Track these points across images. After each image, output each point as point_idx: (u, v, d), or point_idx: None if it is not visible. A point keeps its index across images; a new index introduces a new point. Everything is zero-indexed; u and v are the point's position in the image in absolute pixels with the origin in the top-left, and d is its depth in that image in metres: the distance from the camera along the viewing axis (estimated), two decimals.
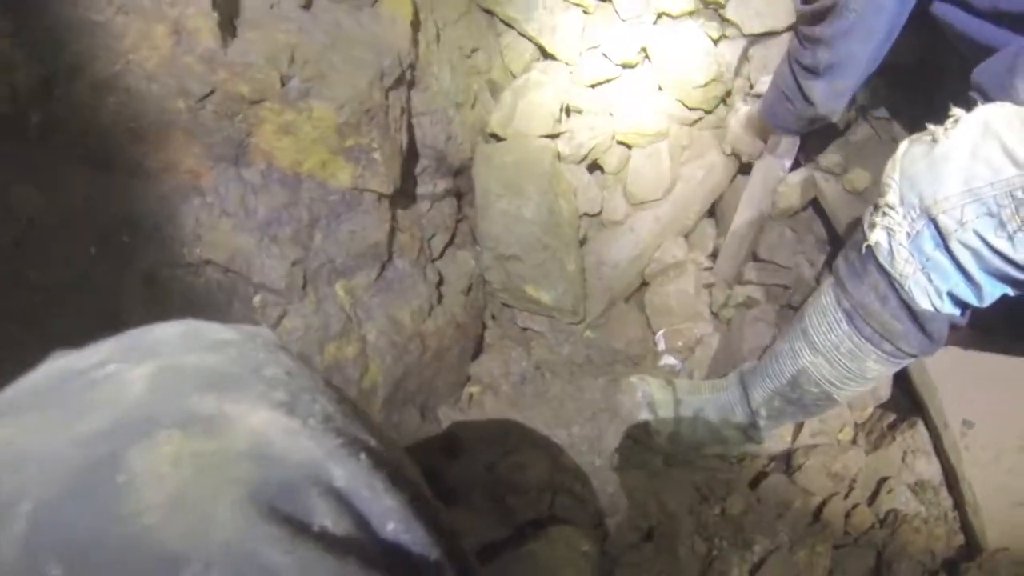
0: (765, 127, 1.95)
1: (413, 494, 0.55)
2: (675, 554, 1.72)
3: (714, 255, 2.22)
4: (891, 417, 1.97)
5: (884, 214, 1.31)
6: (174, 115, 1.49)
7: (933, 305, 1.34)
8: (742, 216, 2.11)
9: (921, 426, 1.93)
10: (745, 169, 2.15)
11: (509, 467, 1.77)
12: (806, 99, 1.73)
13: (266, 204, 1.60)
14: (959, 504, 1.87)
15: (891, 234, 1.30)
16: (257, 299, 1.59)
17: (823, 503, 1.84)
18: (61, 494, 0.43)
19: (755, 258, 2.20)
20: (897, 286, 1.35)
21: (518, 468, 1.77)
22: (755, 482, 1.86)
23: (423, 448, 1.78)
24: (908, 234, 1.28)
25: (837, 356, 1.54)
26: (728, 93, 2.10)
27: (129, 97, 1.45)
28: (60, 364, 0.59)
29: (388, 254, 1.75)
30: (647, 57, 2.07)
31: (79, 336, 1.39)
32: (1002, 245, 1.19)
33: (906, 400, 1.99)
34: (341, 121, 1.59)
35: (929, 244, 1.27)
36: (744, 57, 2.10)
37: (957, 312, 1.36)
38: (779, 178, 2.09)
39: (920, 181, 1.24)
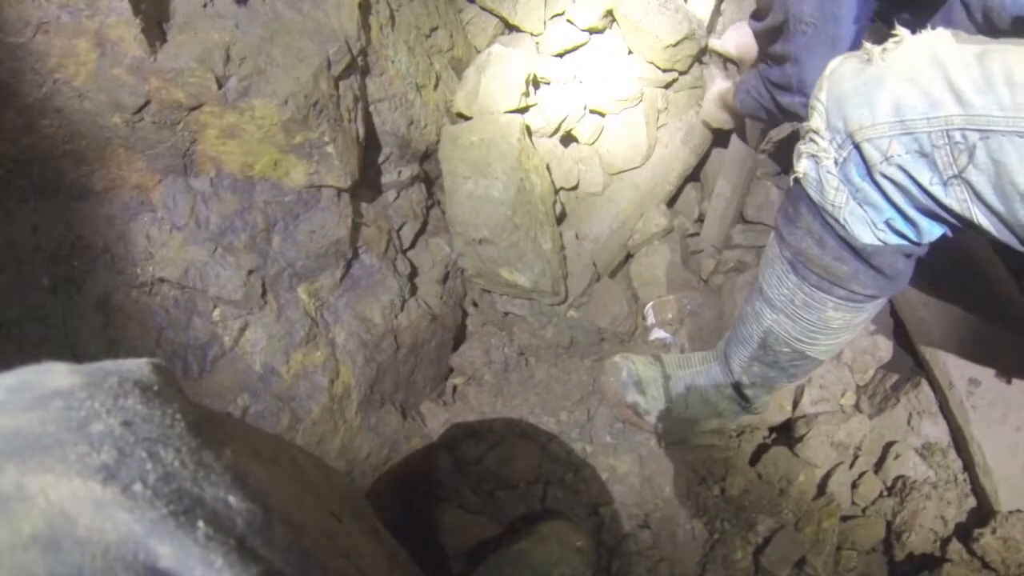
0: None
1: (267, 568, 0.50)
2: (675, 540, 1.68)
3: (700, 220, 2.14)
4: (894, 378, 1.91)
5: (810, 140, 1.19)
6: (111, 131, 1.44)
7: (877, 237, 1.20)
8: (726, 178, 2.03)
9: (926, 386, 1.87)
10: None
11: (497, 460, 1.73)
12: (785, 112, 1.65)
13: (218, 212, 1.55)
14: (969, 466, 1.81)
15: (818, 161, 1.18)
16: (216, 312, 1.55)
17: (828, 474, 1.79)
18: None
19: (743, 220, 2.13)
20: (832, 221, 1.21)
21: (506, 461, 1.74)
22: (755, 457, 1.81)
23: (406, 448, 1.74)
24: (836, 161, 1.14)
25: (795, 310, 1.43)
26: (702, 51, 2.01)
27: (62, 118, 1.40)
28: None
29: (352, 250, 1.70)
30: (614, 20, 1.98)
31: None
32: (935, 191, 1.07)
33: (909, 359, 1.93)
34: (286, 117, 1.53)
35: (855, 173, 1.14)
36: (716, 11, 2.00)
37: (905, 243, 1.21)
38: (762, 136, 2.00)
39: (846, 103, 1.11)
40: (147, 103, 1.42)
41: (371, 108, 1.78)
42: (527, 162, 1.87)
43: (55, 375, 0.58)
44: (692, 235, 2.09)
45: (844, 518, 1.76)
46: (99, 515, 0.45)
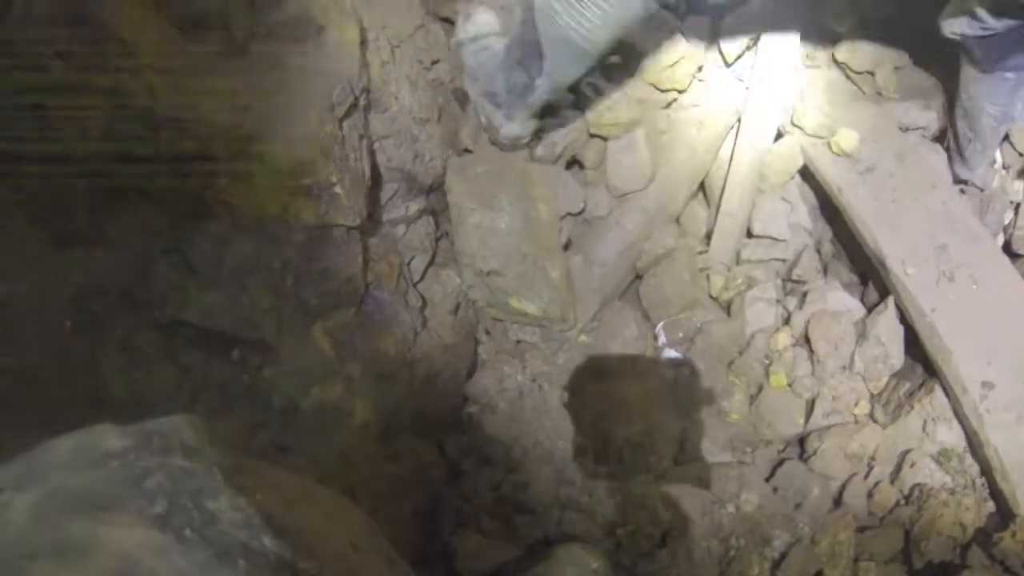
0: None
1: None
2: (691, 558, 1.73)
3: (708, 237, 2.21)
4: (907, 385, 1.96)
5: None
6: (127, 180, 1.54)
7: None
8: (731, 194, 2.09)
9: (940, 391, 1.92)
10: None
11: (513, 486, 1.80)
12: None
13: (233, 255, 1.64)
14: (986, 470, 1.86)
15: None
16: (235, 353, 1.63)
17: (843, 486, 1.85)
18: None
19: (750, 235, 2.19)
20: None
21: (522, 486, 1.81)
22: (769, 473, 1.86)
23: (424, 476, 1.81)
24: None
25: None
26: (699, 68, 2.09)
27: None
28: None
29: (364, 286, 1.78)
30: None
31: (65, 414, 1.44)
32: None
33: (920, 367, 1.98)
34: (294, 162, 1.62)
35: None
36: (715, 29, 2.08)
37: None
38: (765, 149, 2.07)
39: None
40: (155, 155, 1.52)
41: (376, 145, 1.87)
42: (532, 190, 1.94)
43: (107, 437, 0.67)
44: (700, 252, 2.16)
45: (861, 529, 1.81)
46: (159, 558, 0.54)
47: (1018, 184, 2.26)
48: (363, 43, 1.82)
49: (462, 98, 2.11)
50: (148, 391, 1.56)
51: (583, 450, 1.86)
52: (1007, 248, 2.24)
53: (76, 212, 1.56)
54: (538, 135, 2.01)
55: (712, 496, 1.80)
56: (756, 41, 2.06)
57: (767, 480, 1.85)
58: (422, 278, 1.96)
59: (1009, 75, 1.88)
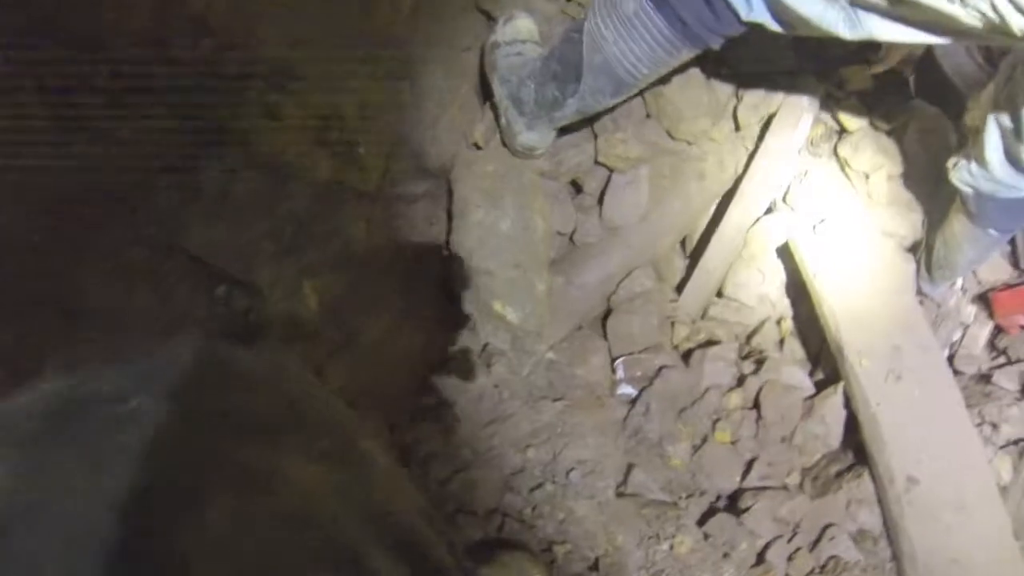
0: None
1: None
2: None
3: (680, 287, 2.28)
4: (838, 465, 2.07)
5: None
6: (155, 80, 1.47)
7: None
8: (713, 253, 2.18)
9: (867, 477, 2.04)
10: (722, 205, 2.23)
11: (461, 484, 1.80)
12: None
13: (241, 190, 1.59)
14: (897, 556, 1.99)
15: None
16: (221, 290, 1.57)
17: (767, 545, 1.93)
18: None
19: (720, 295, 2.28)
20: None
21: (470, 486, 1.80)
22: (703, 519, 1.93)
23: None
24: None
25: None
26: (712, 125, 2.17)
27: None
28: (68, 389, 0.50)
29: (360, 254, 1.75)
30: None
31: (33, 319, 1.35)
32: None
33: (852, 452, 2.10)
34: (327, 110, 1.59)
35: None
36: (735, 96, 2.17)
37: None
38: (753, 219, 2.17)
39: None
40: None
41: (398, 116, 1.85)
42: (534, 202, 1.97)
43: (237, 358, 0.61)
44: (671, 301, 2.23)
45: None
46: (338, 500, 0.47)
47: (971, 308, 2.45)
48: (413, 10, 1.80)
49: (482, 94, 2.12)
50: (125, 311, 1.48)
51: (533, 463, 1.87)
52: (950, 362, 2.44)
53: (92, 100, 1.47)
54: (549, 150, 2.04)
55: (650, 531, 1.84)
56: (770, 118, 2.16)
57: (699, 526, 1.91)
58: (415, 261, 1.94)
59: (994, 232, 1.99)
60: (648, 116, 2.17)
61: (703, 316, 2.24)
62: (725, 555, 1.87)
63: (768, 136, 2.16)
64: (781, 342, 2.27)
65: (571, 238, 2.15)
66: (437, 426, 1.90)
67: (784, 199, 2.23)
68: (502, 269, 1.86)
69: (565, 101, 1.82)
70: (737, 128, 2.22)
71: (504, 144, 2.02)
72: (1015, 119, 1.54)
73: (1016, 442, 2.19)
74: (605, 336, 2.13)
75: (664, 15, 1.50)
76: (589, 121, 2.10)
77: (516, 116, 1.95)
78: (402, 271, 1.91)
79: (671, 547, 1.83)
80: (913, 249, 2.28)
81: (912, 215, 2.26)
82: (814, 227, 2.18)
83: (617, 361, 2.09)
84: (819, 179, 2.27)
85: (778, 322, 2.32)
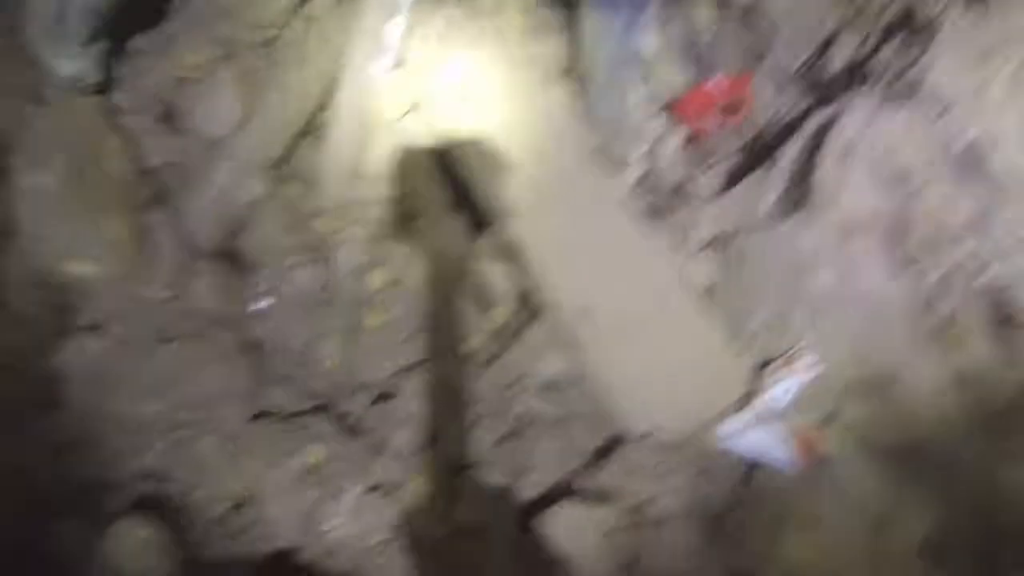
0: None
1: None
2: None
3: None
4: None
5: None
6: None
7: None
8: (337, 134, 1.99)
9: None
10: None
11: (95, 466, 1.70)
12: None
13: None
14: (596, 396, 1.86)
15: None
16: None
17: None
18: None
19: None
20: None
21: (101, 465, 1.71)
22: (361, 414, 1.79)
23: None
24: None
25: None
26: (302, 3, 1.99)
27: None
28: None
29: None
30: None
31: None
32: None
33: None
34: None
35: None
36: None
37: None
38: (370, 87, 1.98)
39: None
40: None
41: None
42: (100, 146, 1.83)
43: None
44: (308, 196, 2.04)
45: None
46: None
47: (657, 122, 2.20)
48: None
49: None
50: None
51: (156, 417, 1.74)
52: (645, 178, 2.22)
53: None
54: (112, 78, 1.88)
55: (282, 450, 1.70)
56: None
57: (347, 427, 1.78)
58: None
59: (619, 13, 1.92)
60: (227, 13, 1.98)
61: (347, 203, 2.04)
62: (377, 452, 1.72)
63: None
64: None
65: (180, 167, 1.98)
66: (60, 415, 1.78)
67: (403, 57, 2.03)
68: (57, 227, 1.72)
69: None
70: None
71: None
72: None
73: (711, 242, 1.97)
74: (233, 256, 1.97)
75: None
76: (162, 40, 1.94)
77: (44, 46, 1.79)
78: None
79: (305, 461, 1.69)
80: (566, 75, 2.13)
81: (551, 40, 2.12)
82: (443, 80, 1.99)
83: (259, 276, 1.93)
84: (439, 28, 2.06)
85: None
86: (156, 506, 1.67)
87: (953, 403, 1.64)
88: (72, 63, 1.81)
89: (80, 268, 1.74)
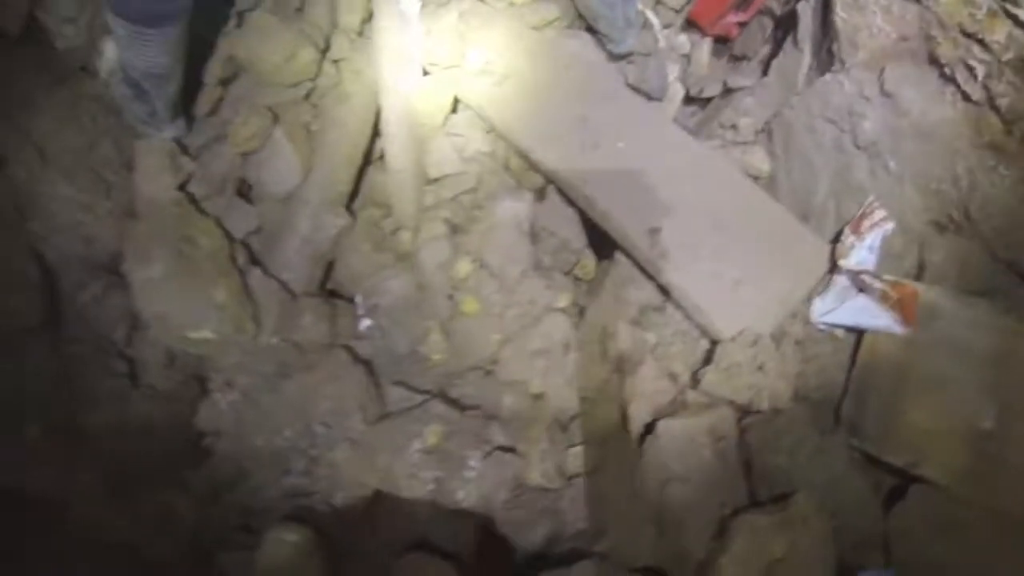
0: None
1: None
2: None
3: None
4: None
5: None
6: None
7: None
8: (391, 149, 2.11)
9: (620, 256, 2.01)
10: None
11: (246, 493, 1.90)
12: None
13: None
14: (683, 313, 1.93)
15: None
16: None
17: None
18: None
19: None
20: None
21: (253, 491, 1.90)
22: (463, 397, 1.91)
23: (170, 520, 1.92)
24: None
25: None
26: (325, 50, 2.20)
27: None
28: None
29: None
30: None
31: None
32: None
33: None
34: None
35: None
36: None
37: None
38: (408, 94, 2.11)
39: None
40: None
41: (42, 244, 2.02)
42: (189, 229, 2.06)
43: None
44: (386, 217, 2.18)
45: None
46: None
47: (683, 37, 2.23)
48: None
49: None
50: None
51: (291, 440, 1.92)
52: (689, 96, 2.23)
53: None
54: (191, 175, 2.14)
55: (403, 439, 1.84)
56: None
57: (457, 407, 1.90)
58: (128, 343, 2.08)
59: None
60: (263, 83, 2.21)
61: (424, 211, 2.18)
62: (490, 417, 1.82)
63: (376, 13, 2.11)
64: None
65: (264, 232, 2.20)
66: (216, 459, 2.00)
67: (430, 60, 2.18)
68: (174, 304, 1.97)
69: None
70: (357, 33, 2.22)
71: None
72: None
73: (762, 129, 1.95)
74: (334, 290, 2.15)
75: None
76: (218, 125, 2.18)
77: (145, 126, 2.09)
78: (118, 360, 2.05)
79: (426, 442, 1.81)
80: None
81: None
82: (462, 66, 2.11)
83: (356, 300, 2.10)
84: (454, 20, 2.20)
85: (506, 166, 2.22)
86: (303, 517, 1.84)
87: None
88: (170, 131, 2.11)
89: (200, 335, 1.97)
